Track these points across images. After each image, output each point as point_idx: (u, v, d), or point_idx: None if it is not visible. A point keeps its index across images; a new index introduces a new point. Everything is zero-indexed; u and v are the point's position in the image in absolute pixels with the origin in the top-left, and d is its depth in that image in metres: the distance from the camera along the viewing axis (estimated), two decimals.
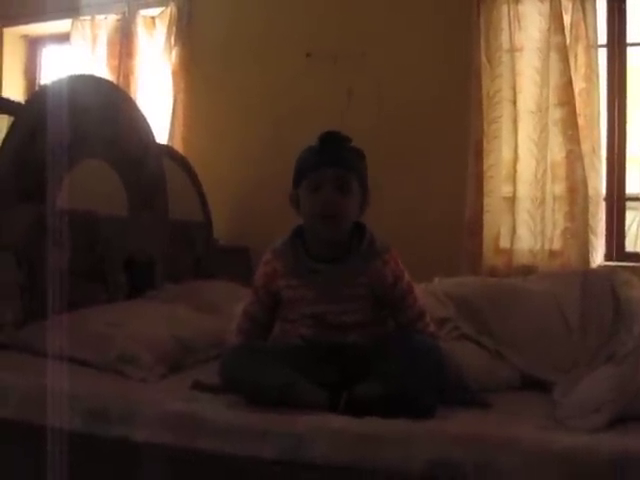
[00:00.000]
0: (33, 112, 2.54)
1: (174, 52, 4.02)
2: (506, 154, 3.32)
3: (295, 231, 1.96)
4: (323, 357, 1.84)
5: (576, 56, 3.23)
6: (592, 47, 3.20)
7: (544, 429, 1.62)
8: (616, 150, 3.36)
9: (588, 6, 3.19)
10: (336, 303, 1.89)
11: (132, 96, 3.76)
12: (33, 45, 4.67)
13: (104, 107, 2.81)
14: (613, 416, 1.62)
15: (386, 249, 1.93)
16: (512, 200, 3.31)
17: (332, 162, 1.87)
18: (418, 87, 3.54)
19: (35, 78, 4.66)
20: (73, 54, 4.19)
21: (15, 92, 4.44)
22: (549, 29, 3.23)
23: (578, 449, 1.49)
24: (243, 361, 1.80)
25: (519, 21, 3.32)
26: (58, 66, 4.54)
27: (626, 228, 3.45)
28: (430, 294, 2.22)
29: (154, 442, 1.73)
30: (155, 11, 4.12)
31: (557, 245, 3.25)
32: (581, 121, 3.20)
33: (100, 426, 1.79)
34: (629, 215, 3.48)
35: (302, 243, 1.93)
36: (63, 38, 4.37)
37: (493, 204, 3.31)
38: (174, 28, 4.02)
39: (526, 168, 3.28)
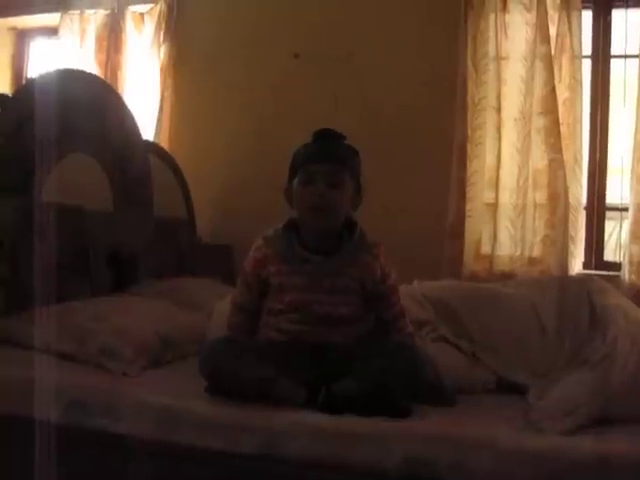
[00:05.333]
0: (20, 104, 2.53)
1: (162, 49, 4.01)
2: (489, 161, 3.33)
3: (288, 222, 1.99)
4: (305, 355, 1.86)
5: (561, 66, 3.25)
6: (577, 58, 3.22)
7: (517, 431, 1.65)
8: (598, 160, 3.38)
9: (574, 17, 3.22)
10: (325, 293, 1.91)
11: (119, 92, 3.75)
12: (21, 37, 4.64)
13: (91, 102, 2.81)
14: (585, 420, 1.66)
15: (376, 244, 1.98)
16: (494, 206, 3.31)
17: (324, 157, 1.91)
18: (404, 91, 3.55)
19: (23, 71, 4.64)
20: (61, 48, 4.17)
21: (2, 84, 4.43)
22: (535, 39, 3.25)
23: (550, 451, 1.53)
24: (222, 355, 1.82)
25: (506, 30, 3.34)
26: (46, 59, 4.52)
27: (606, 238, 3.47)
28: (409, 296, 2.25)
29: (133, 434, 1.75)
30: (144, 7, 4.09)
31: (537, 252, 3.26)
32: (564, 130, 3.21)
33: (80, 418, 1.80)
34: (609, 225, 3.50)
35: (295, 234, 1.96)
36: (52, 31, 4.35)
37: (475, 210, 3.32)
38: (163, 25, 4.00)
39: (508, 175, 3.29)
